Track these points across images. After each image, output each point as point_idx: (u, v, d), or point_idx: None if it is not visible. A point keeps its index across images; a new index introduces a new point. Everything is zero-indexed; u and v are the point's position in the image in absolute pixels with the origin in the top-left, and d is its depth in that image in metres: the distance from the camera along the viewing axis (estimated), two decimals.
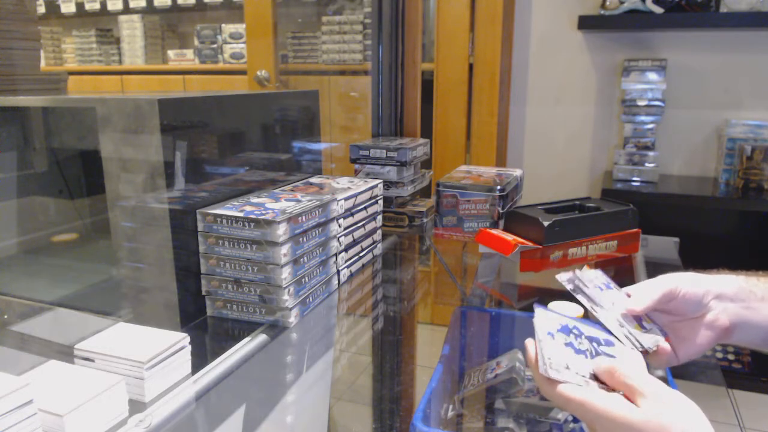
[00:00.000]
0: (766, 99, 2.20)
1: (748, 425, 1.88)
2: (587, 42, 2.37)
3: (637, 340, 0.61)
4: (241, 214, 0.82)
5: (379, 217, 1.16)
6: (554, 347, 0.57)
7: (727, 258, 2.17)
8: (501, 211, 1.20)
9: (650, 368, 0.71)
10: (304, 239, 0.87)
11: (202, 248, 0.85)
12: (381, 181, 1.15)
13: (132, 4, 3.46)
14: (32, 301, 0.91)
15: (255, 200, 0.91)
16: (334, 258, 0.98)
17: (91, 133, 0.84)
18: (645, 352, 0.61)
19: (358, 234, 1.06)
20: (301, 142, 1.15)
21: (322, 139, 1.23)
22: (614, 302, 0.65)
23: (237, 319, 0.86)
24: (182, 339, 0.69)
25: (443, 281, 1.29)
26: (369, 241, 1.12)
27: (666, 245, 1.35)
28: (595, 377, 0.55)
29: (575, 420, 0.83)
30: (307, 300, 0.90)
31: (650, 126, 2.21)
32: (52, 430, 0.55)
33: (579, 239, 1.07)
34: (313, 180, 1.12)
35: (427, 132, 2.31)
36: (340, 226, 0.98)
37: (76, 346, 0.67)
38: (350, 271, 1.05)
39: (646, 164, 2.21)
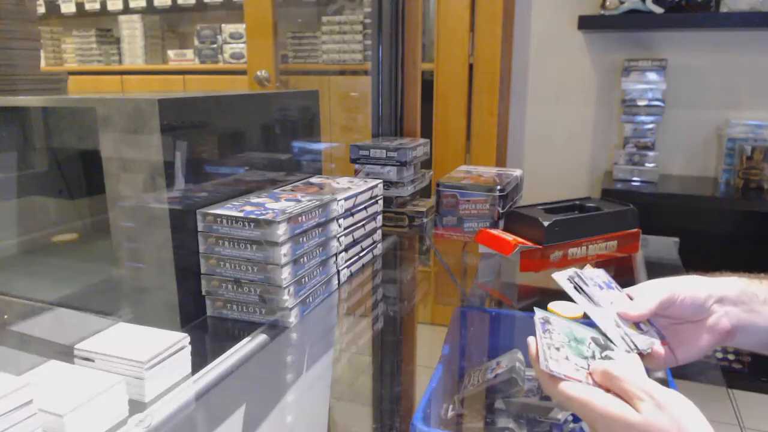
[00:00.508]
0: (766, 99, 2.20)
1: (748, 425, 1.88)
2: (587, 42, 2.37)
3: (632, 342, 0.61)
4: (241, 214, 0.82)
5: (379, 217, 1.16)
6: (555, 344, 0.58)
7: (727, 258, 2.17)
8: (501, 211, 1.20)
9: (648, 370, 0.71)
10: (304, 239, 0.87)
11: (202, 248, 0.85)
12: (381, 181, 1.15)
13: (132, 4, 3.46)
14: (32, 301, 0.91)
15: (255, 200, 0.91)
16: (334, 258, 0.98)
17: (91, 133, 0.84)
18: (640, 354, 0.61)
19: (358, 234, 1.06)
20: (301, 142, 1.15)
21: (322, 139, 1.22)
22: (613, 302, 0.65)
23: (237, 319, 0.86)
24: (182, 339, 0.69)
25: (443, 281, 1.29)
26: (369, 241, 1.12)
27: (666, 245, 1.35)
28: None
29: (575, 420, 0.83)
30: (307, 300, 0.90)
31: (650, 126, 2.21)
32: (52, 430, 0.55)
33: (579, 239, 1.07)
34: (313, 180, 1.12)
35: (427, 132, 2.31)
36: (340, 226, 0.98)
37: (76, 346, 0.67)
38: (350, 271, 1.05)
39: (646, 164, 2.21)
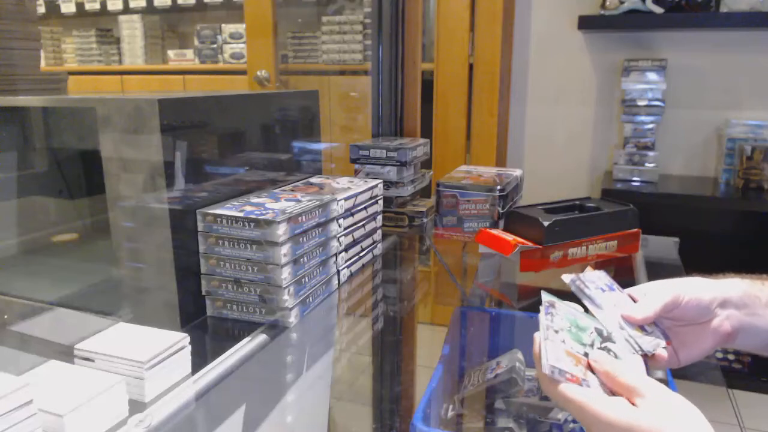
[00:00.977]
0: (766, 99, 2.20)
1: (748, 425, 1.88)
2: (587, 42, 2.37)
3: (637, 344, 0.61)
4: (241, 214, 0.82)
5: (379, 217, 1.16)
6: (557, 343, 0.57)
7: (727, 258, 2.17)
8: (501, 211, 1.20)
9: (650, 370, 0.71)
10: (304, 239, 0.87)
11: (202, 248, 0.85)
12: (381, 181, 1.15)
13: (132, 4, 3.46)
14: (32, 301, 0.91)
15: (255, 200, 0.91)
16: (334, 258, 0.98)
17: (91, 133, 0.84)
18: (645, 356, 0.61)
19: (358, 234, 1.06)
20: (301, 142, 1.15)
21: (322, 139, 1.22)
22: (616, 304, 0.65)
23: (237, 319, 0.86)
24: (182, 339, 0.69)
25: (443, 281, 1.29)
26: (369, 241, 1.12)
27: (666, 245, 1.35)
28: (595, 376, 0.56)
29: (575, 420, 0.83)
30: (307, 300, 0.90)
31: (650, 126, 2.21)
32: (52, 430, 0.55)
33: (579, 239, 1.07)
34: (313, 180, 1.12)
35: (427, 132, 2.31)
36: (340, 226, 0.98)
37: (76, 346, 0.67)
38: (350, 271, 1.05)
39: (646, 164, 2.21)
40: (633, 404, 0.51)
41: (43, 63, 1.94)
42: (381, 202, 1.15)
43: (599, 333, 0.61)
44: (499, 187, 1.19)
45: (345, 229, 1.01)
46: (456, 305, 1.09)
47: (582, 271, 0.70)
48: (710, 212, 2.30)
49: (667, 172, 2.35)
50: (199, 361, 0.73)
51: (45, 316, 0.89)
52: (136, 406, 0.63)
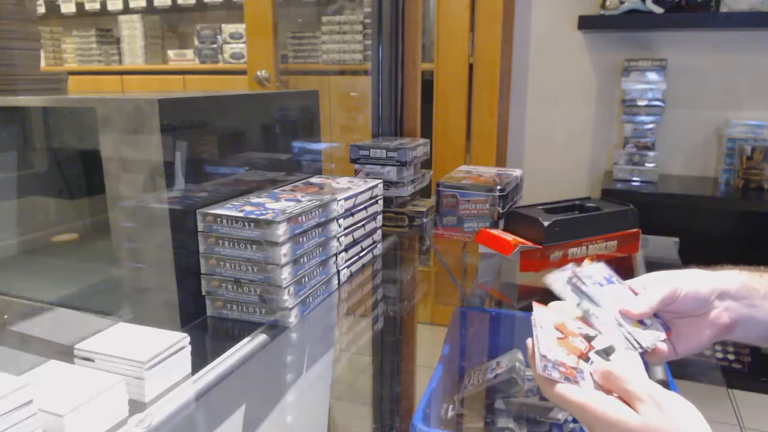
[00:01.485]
0: (766, 99, 2.20)
1: (748, 425, 1.88)
2: (587, 42, 2.37)
3: (636, 340, 0.61)
4: (241, 214, 0.82)
5: (379, 217, 1.16)
6: (552, 345, 0.57)
7: (727, 258, 2.17)
8: (501, 211, 1.20)
9: (648, 364, 0.71)
10: (304, 239, 0.87)
11: (202, 248, 0.85)
12: (381, 181, 1.15)
13: (132, 4, 3.46)
14: (32, 301, 0.91)
15: (255, 200, 0.91)
16: (334, 258, 0.98)
17: (91, 133, 0.84)
18: (644, 352, 0.61)
19: (358, 234, 1.06)
20: (301, 142, 1.15)
21: (322, 139, 1.22)
22: (614, 298, 0.65)
23: (237, 319, 0.86)
24: (182, 339, 0.69)
25: (443, 281, 1.29)
26: (369, 241, 1.12)
27: (666, 245, 1.35)
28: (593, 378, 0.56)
29: (575, 420, 0.83)
30: (307, 300, 0.90)
31: (650, 126, 2.21)
32: (52, 430, 0.55)
33: (579, 239, 1.07)
34: (313, 180, 1.12)
35: (427, 132, 2.31)
36: (340, 226, 0.98)
37: (76, 346, 0.67)
38: (350, 271, 1.05)
39: (646, 164, 2.21)
40: (632, 407, 0.51)
41: (43, 63, 1.94)
42: (381, 202, 1.15)
43: (588, 339, 0.61)
44: (499, 187, 1.19)
45: (345, 229, 1.01)
46: (456, 305, 1.09)
47: (579, 266, 0.69)
48: (710, 212, 2.30)
49: (667, 172, 2.35)
50: (199, 361, 0.73)
51: (45, 316, 0.89)
52: (136, 406, 0.63)
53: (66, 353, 0.68)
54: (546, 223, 1.03)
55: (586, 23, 2.17)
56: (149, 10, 3.44)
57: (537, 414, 0.83)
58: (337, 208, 0.97)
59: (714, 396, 1.62)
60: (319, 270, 0.93)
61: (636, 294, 0.66)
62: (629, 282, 0.68)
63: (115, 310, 0.87)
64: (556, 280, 0.67)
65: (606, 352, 0.60)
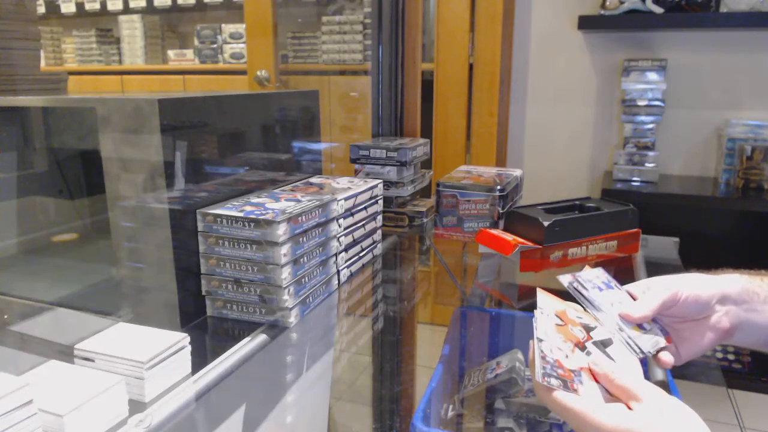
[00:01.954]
0: (766, 99, 2.20)
1: (748, 425, 1.88)
2: (587, 42, 2.37)
3: (636, 345, 0.61)
4: (241, 214, 0.82)
5: (379, 217, 1.16)
6: (550, 331, 0.57)
7: (727, 258, 2.17)
8: (501, 211, 1.20)
9: (649, 365, 0.70)
10: (304, 239, 0.87)
11: (202, 248, 0.85)
12: (381, 181, 1.15)
13: (132, 4, 3.46)
14: (32, 301, 0.91)
15: (255, 200, 0.91)
16: (334, 258, 0.98)
17: (91, 133, 0.84)
18: (645, 357, 0.61)
19: (358, 234, 1.06)
20: (301, 142, 1.15)
21: (322, 139, 1.22)
22: (614, 303, 0.65)
23: (237, 319, 0.86)
24: (182, 339, 0.69)
25: (443, 281, 1.29)
26: (369, 241, 1.12)
27: (666, 245, 1.35)
28: (592, 378, 0.55)
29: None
30: (307, 300, 0.90)
31: (650, 126, 2.21)
32: (52, 430, 0.55)
33: (579, 239, 1.07)
34: (313, 180, 1.12)
35: (427, 132, 2.31)
36: (340, 226, 0.98)
37: (76, 346, 0.67)
38: (350, 271, 1.05)
39: (646, 164, 2.21)
40: (629, 408, 0.51)
41: (43, 63, 1.94)
42: (381, 202, 1.15)
43: (587, 329, 0.61)
44: (499, 187, 1.19)
45: (345, 229, 1.01)
46: (456, 305, 1.09)
47: (580, 270, 0.69)
48: (710, 212, 2.30)
49: (667, 172, 2.35)
50: (199, 361, 0.73)
51: (45, 316, 0.89)
52: (136, 406, 0.63)
53: (66, 353, 0.68)
54: (546, 223, 1.03)
55: (586, 23, 2.17)
56: (149, 10, 3.44)
57: (537, 414, 0.83)
58: (337, 208, 0.97)
59: (714, 396, 1.62)
60: (319, 270, 0.93)
61: (635, 299, 0.66)
62: (628, 287, 0.68)
63: (115, 310, 0.87)
64: (564, 281, 0.67)
65: (603, 344, 0.60)
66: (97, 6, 3.57)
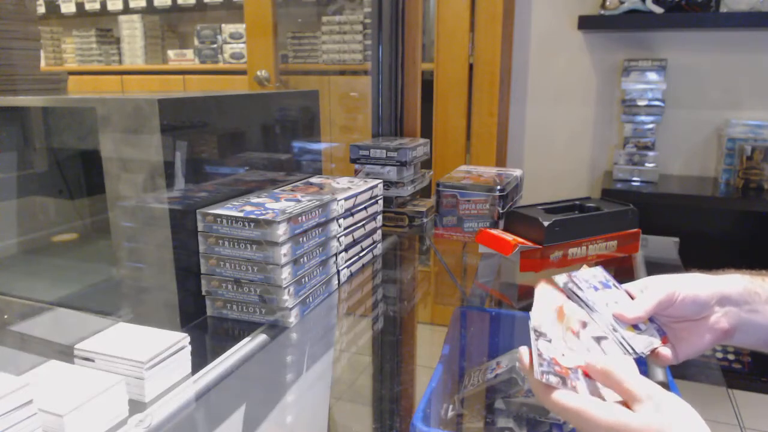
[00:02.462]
0: (766, 99, 2.20)
1: (748, 425, 1.88)
2: (587, 42, 2.37)
3: (630, 345, 0.61)
4: (241, 214, 0.82)
5: (379, 217, 1.16)
6: (549, 349, 0.57)
7: (727, 258, 2.17)
8: (501, 211, 1.20)
9: (648, 365, 0.70)
10: (304, 239, 0.87)
11: (202, 248, 0.85)
12: (381, 181, 1.15)
13: (132, 4, 3.46)
14: (32, 301, 0.91)
15: (255, 200, 0.91)
16: (334, 258, 0.98)
17: (91, 133, 0.84)
18: (640, 357, 0.61)
19: (358, 234, 1.06)
20: (301, 142, 1.15)
21: (322, 139, 1.23)
22: (609, 303, 0.64)
23: (237, 319, 0.86)
24: (182, 339, 0.69)
25: (443, 281, 1.29)
26: (369, 241, 1.12)
27: (666, 245, 1.35)
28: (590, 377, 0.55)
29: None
30: (307, 300, 0.90)
31: (650, 126, 2.21)
32: (52, 430, 0.55)
33: (579, 239, 1.07)
34: (313, 180, 1.12)
35: (427, 132, 2.31)
36: (340, 226, 0.98)
37: (76, 346, 0.67)
38: (350, 271, 1.05)
39: (646, 164, 2.21)
40: (630, 407, 0.51)
41: (43, 63, 1.94)
42: (381, 202, 1.15)
43: (582, 324, 0.61)
44: (499, 187, 1.19)
45: (345, 229, 1.01)
46: (456, 305, 1.09)
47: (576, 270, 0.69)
48: (710, 212, 2.30)
49: (667, 172, 2.35)
50: (199, 361, 0.73)
51: (45, 316, 0.89)
52: (136, 406, 0.63)
53: (66, 353, 0.68)
54: (546, 223, 1.03)
55: (586, 23, 2.17)
56: (149, 10, 3.44)
57: (537, 414, 0.83)
58: (337, 208, 0.97)
59: (714, 396, 1.62)
60: (319, 270, 0.93)
61: (633, 298, 0.65)
62: (627, 286, 0.67)
63: (115, 310, 0.87)
64: (559, 281, 0.67)
65: (598, 340, 0.60)
66: (97, 6, 3.57)
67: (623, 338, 0.61)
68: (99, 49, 3.60)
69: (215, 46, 3.31)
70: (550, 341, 0.57)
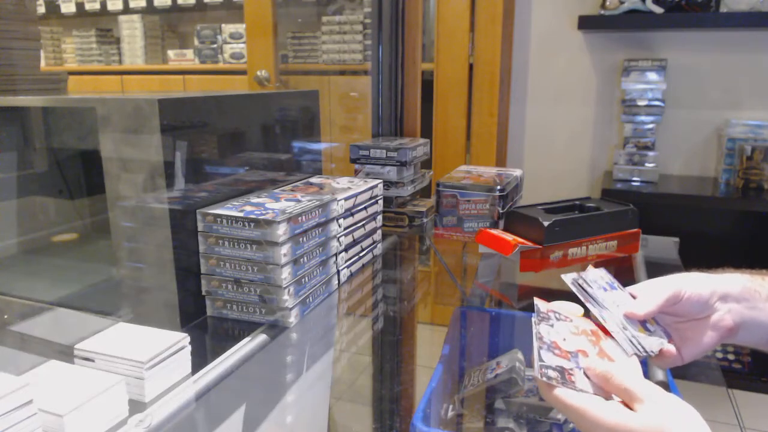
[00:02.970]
0: (766, 99, 2.20)
1: (748, 425, 1.88)
2: (587, 42, 2.37)
3: (641, 344, 0.61)
4: (241, 214, 0.82)
5: (379, 217, 1.16)
6: (550, 332, 0.57)
7: (727, 258, 2.17)
8: (501, 211, 1.20)
9: (654, 368, 0.70)
10: (304, 239, 0.87)
11: (202, 248, 0.85)
12: (381, 181, 1.15)
13: (132, 4, 3.46)
14: (32, 301, 0.91)
15: (255, 200, 0.91)
16: (334, 258, 0.98)
17: (91, 133, 0.84)
18: (648, 356, 0.61)
19: (358, 234, 1.06)
20: (301, 142, 1.15)
21: (322, 139, 1.23)
22: (617, 303, 0.65)
23: (237, 319, 0.86)
24: (182, 339, 0.69)
25: (443, 281, 1.29)
26: (369, 241, 1.12)
27: (666, 245, 1.35)
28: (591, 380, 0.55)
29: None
30: (307, 300, 0.90)
31: (650, 126, 2.21)
32: (52, 430, 0.55)
33: (579, 239, 1.07)
34: (313, 180, 1.12)
35: (427, 132, 2.31)
36: (340, 226, 0.98)
37: (76, 346, 0.67)
38: (350, 271, 1.05)
39: (646, 164, 2.21)
40: (631, 408, 0.51)
41: (43, 63, 1.94)
42: (381, 202, 1.15)
43: (590, 337, 0.61)
44: (499, 187, 1.19)
45: (345, 229, 1.01)
46: (456, 305, 1.09)
47: (583, 270, 0.69)
48: (710, 212, 2.30)
49: (667, 172, 2.35)
50: (199, 361, 0.73)
51: (45, 316, 0.89)
52: (136, 406, 0.63)
53: (66, 353, 0.68)
54: (546, 223, 1.03)
55: (586, 23, 2.17)
56: (149, 10, 3.44)
57: (537, 414, 0.83)
58: (337, 208, 0.97)
59: (714, 396, 1.62)
60: (319, 270, 0.93)
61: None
62: (630, 288, 0.68)
63: (115, 310, 0.87)
64: (569, 279, 0.67)
65: (607, 351, 0.60)
66: (97, 6, 3.57)
67: (633, 337, 0.61)
68: (99, 49, 3.60)
69: (215, 46, 3.31)
70: (552, 326, 0.58)
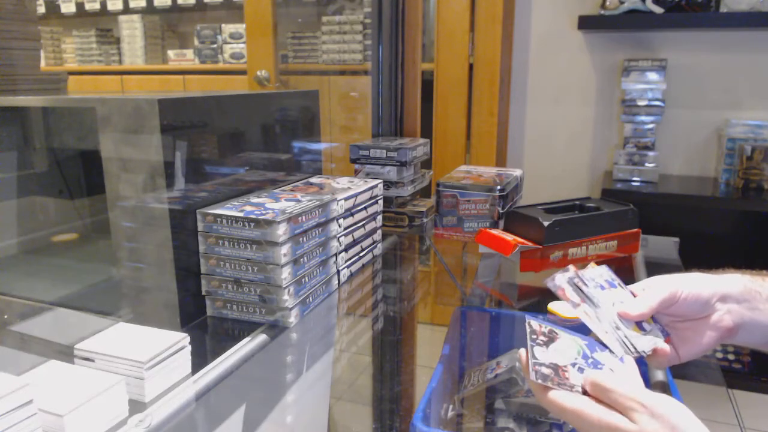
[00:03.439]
0: (766, 99, 2.20)
1: (748, 425, 1.88)
2: (587, 42, 2.37)
3: (632, 345, 0.61)
4: (241, 214, 0.82)
5: (379, 217, 1.16)
6: (544, 353, 0.57)
7: (727, 258, 2.17)
8: (501, 211, 1.20)
9: (651, 368, 0.70)
10: (304, 239, 0.87)
11: (202, 248, 0.85)
12: (381, 181, 1.15)
13: (132, 4, 3.46)
14: (32, 301, 0.91)
15: (255, 200, 0.91)
16: (334, 258, 0.98)
17: (91, 133, 0.84)
18: (641, 356, 0.61)
19: (358, 234, 1.06)
20: (301, 142, 1.15)
21: (322, 139, 1.23)
22: (615, 302, 0.64)
23: (237, 319, 0.86)
24: (182, 339, 0.69)
25: (443, 281, 1.29)
26: (369, 241, 1.12)
27: (666, 245, 1.35)
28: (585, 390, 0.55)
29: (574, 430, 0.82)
30: (307, 300, 0.90)
31: (650, 126, 2.21)
32: (52, 430, 0.55)
33: (579, 239, 1.07)
34: (313, 180, 1.12)
35: (427, 132, 2.31)
36: (340, 226, 0.98)
37: (76, 346, 0.67)
38: (350, 271, 1.05)
39: (646, 164, 2.21)
40: (630, 419, 0.50)
41: (43, 63, 1.94)
42: (381, 202, 1.15)
43: (591, 348, 0.60)
44: (499, 187, 1.19)
45: (345, 229, 1.01)
46: (456, 305, 1.09)
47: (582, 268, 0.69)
48: (710, 212, 2.30)
49: (667, 172, 2.35)
50: (199, 361, 0.73)
51: (45, 316, 0.89)
52: (136, 406, 0.63)
53: (66, 353, 0.68)
54: (546, 223, 1.03)
55: (586, 23, 2.17)
56: (149, 10, 3.44)
57: (537, 414, 0.83)
58: (337, 208, 0.97)
59: (714, 396, 1.62)
60: (319, 270, 0.93)
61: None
62: (632, 286, 0.67)
63: (115, 310, 0.87)
64: (555, 282, 0.66)
65: (601, 360, 0.59)
66: (97, 6, 3.57)
67: (625, 337, 0.61)
68: (99, 49, 3.60)
69: (215, 46, 3.31)
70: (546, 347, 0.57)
